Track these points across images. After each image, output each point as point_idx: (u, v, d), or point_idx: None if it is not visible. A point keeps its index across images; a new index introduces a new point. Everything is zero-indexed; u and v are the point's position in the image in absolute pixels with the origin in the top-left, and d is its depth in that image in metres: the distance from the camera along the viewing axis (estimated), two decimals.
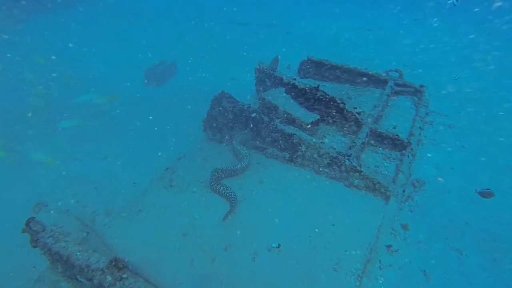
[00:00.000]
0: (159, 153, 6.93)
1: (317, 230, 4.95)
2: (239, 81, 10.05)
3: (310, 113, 6.69)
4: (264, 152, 6.42)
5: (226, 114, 6.55)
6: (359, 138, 6.54)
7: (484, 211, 5.74)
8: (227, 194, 5.43)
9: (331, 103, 7.09)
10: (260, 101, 6.89)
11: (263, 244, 4.72)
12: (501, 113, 8.85)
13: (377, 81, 9.20)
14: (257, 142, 6.52)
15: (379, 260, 4.69)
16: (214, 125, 6.70)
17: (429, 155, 7.01)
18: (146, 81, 10.41)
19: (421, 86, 9.07)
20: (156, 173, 6.14)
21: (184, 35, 14.62)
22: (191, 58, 11.93)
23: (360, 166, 5.77)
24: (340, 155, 5.86)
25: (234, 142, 6.29)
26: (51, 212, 5.36)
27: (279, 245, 4.70)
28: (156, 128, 7.89)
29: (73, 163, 6.94)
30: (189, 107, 8.41)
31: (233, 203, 5.29)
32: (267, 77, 7.71)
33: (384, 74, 9.16)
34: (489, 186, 6.15)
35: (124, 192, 5.89)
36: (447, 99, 9.50)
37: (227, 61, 11.61)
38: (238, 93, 8.35)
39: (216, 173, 5.74)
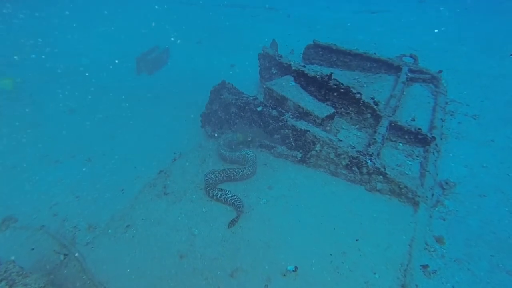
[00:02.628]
0: (151, 153, 6.04)
1: (339, 248, 4.17)
2: (239, 68, 9.14)
3: (324, 105, 5.84)
4: (272, 151, 5.59)
5: (227, 108, 5.68)
6: (379, 133, 5.73)
7: None
8: (229, 200, 4.65)
9: (346, 93, 6.25)
10: (266, 92, 6.02)
11: (277, 267, 3.93)
12: None
13: (389, 67, 8.38)
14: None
15: (416, 286, 3.92)
16: (214, 120, 5.83)
17: (455, 151, 6.22)
18: (137, 69, 9.46)
19: (439, 71, 8.26)
20: (147, 178, 5.31)
21: (177, 18, 13.55)
22: (185, 44, 10.99)
23: (384, 167, 4.97)
24: (361, 154, 5.05)
25: (222, 151, 5.48)
26: (22, 229, 4.51)
27: (295, 267, 3.91)
28: (147, 124, 6.96)
29: (49, 166, 6.02)
30: (185, 98, 7.49)
31: (239, 207, 4.52)
32: (273, 64, 6.83)
33: (397, 60, 8.34)
34: None
35: (110, 201, 5.00)
36: (465, 86, 8.69)
37: (224, 46, 10.66)
38: (239, 82, 7.48)
39: (211, 176, 4.95)
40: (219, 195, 4.70)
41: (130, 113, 7.40)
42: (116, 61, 9.86)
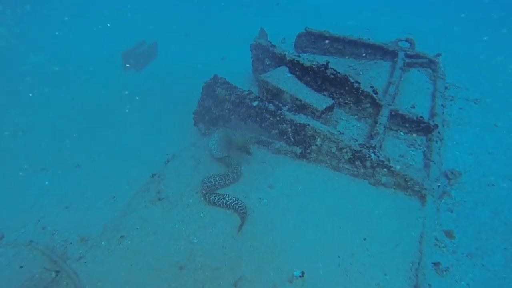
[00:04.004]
0: (143, 156, 5.71)
1: (347, 249, 3.96)
2: (230, 60, 8.78)
3: (322, 96, 5.58)
4: (270, 147, 5.33)
5: (221, 104, 5.39)
6: (380, 123, 5.49)
7: None
8: (229, 204, 4.40)
9: (344, 82, 5.99)
10: (260, 85, 5.75)
11: (283, 273, 3.71)
12: None
13: (385, 53, 8.13)
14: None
15: (429, 285, 3.73)
16: (207, 117, 5.54)
17: (459, 138, 6.02)
18: (124, 65, 9.05)
19: (437, 55, 8.03)
20: (140, 183, 5.01)
21: (163, 10, 13.06)
22: (173, 37, 10.58)
23: (389, 160, 4.74)
24: (364, 148, 4.81)
25: (214, 151, 5.14)
26: (8, 246, 4.20)
27: (302, 273, 3.69)
28: (136, 124, 6.59)
29: (36, 175, 5.63)
30: (175, 95, 7.13)
31: (242, 211, 4.28)
32: (266, 55, 6.52)
33: (392, 45, 8.09)
34: None
35: (102, 210, 4.69)
36: (463, 69, 8.47)
37: (213, 38, 10.27)
38: (232, 75, 7.17)
39: (210, 180, 4.69)
40: (216, 200, 4.45)
41: (118, 113, 6.99)
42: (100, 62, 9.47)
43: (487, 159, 5.55)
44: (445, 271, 3.91)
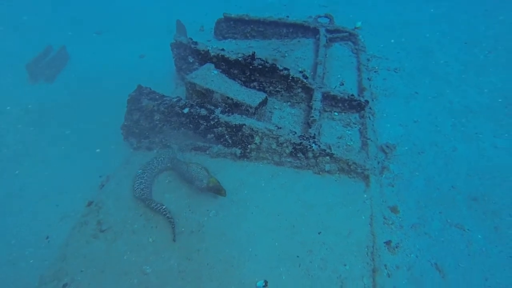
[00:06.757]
0: (73, 183, 5.10)
1: (304, 247, 3.98)
2: (150, 58, 8.20)
3: (253, 91, 5.44)
4: (207, 152, 5.12)
5: (150, 115, 5.04)
6: (315, 109, 5.53)
7: (464, 167, 5.24)
8: (155, 208, 4.34)
9: (272, 71, 5.91)
10: (188, 87, 5.45)
11: (246, 286, 3.63)
12: (436, 46, 8.43)
13: (306, 30, 8.20)
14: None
15: (385, 266, 3.90)
16: (137, 131, 5.16)
17: (388, 110, 6.29)
18: (31, 78, 8.04)
19: (355, 29, 8.30)
20: (75, 215, 4.56)
21: (67, 9, 11.75)
22: (83, 37, 9.60)
23: (330, 147, 4.80)
24: (304, 139, 4.81)
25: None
26: None
27: (265, 282, 3.65)
28: (57, 147, 5.74)
29: None
30: (97, 107, 6.45)
31: (167, 216, 4.22)
32: (188, 53, 6.18)
33: (313, 22, 8.16)
34: (453, 135, 5.70)
35: (34, 257, 4.15)
36: (380, 39, 8.82)
37: (129, 34, 9.50)
38: (154, 77, 6.82)
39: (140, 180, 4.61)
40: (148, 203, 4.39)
41: (33, 136, 6.10)
42: None
43: (414, 127, 5.88)
44: (396, 247, 4.11)
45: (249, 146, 4.94)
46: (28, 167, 5.45)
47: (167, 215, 4.20)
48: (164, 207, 4.29)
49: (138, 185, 4.57)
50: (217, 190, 4.32)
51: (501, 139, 5.76)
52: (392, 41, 8.56)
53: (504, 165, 5.31)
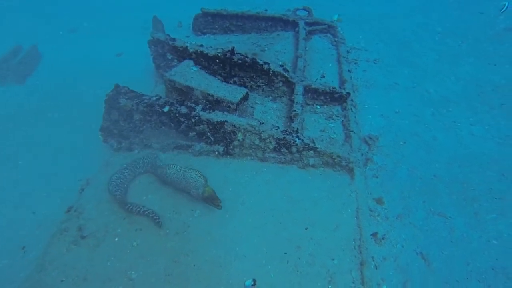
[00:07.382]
0: (50, 188, 4.92)
1: (292, 243, 3.95)
2: (128, 56, 7.98)
3: (234, 87, 5.35)
4: (190, 150, 5.02)
5: (129, 115, 4.89)
6: (297, 103, 5.50)
7: (443, 155, 5.32)
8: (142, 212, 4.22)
9: (253, 66, 5.84)
10: (167, 85, 5.32)
11: (234, 286, 3.58)
12: (413, 37, 8.53)
13: (285, 24, 8.16)
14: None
15: (372, 258, 3.92)
16: (116, 132, 5.00)
17: (369, 101, 6.32)
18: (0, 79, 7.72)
19: (336, 20, 8.32)
20: (54, 222, 4.38)
21: (38, 5, 11.28)
22: (56, 35, 9.24)
23: (314, 141, 4.78)
24: (287, 134, 4.77)
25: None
26: None
27: (254, 281, 3.60)
28: (32, 151, 5.50)
29: None
30: (72, 108, 6.24)
31: (143, 211, 4.19)
32: (167, 49, 6.03)
33: (291, 15, 8.13)
34: (432, 124, 5.77)
35: (9, 269, 3.94)
36: (359, 31, 8.86)
37: (104, 30, 9.22)
38: (132, 75, 6.62)
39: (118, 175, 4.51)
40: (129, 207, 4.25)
41: (4, 141, 5.76)
42: None
43: (395, 118, 5.93)
44: (383, 239, 4.14)
45: (232, 143, 4.86)
46: (0, 174, 5.20)
47: (141, 211, 4.15)
48: (137, 205, 4.23)
49: (115, 179, 4.46)
50: (212, 201, 4.14)
51: (476, 127, 5.88)
52: (371, 33, 8.60)
53: (480, 152, 5.44)
